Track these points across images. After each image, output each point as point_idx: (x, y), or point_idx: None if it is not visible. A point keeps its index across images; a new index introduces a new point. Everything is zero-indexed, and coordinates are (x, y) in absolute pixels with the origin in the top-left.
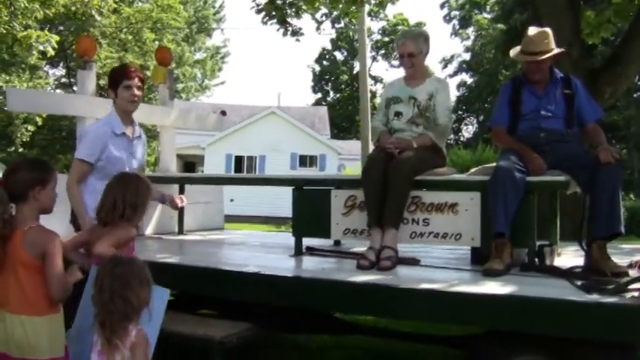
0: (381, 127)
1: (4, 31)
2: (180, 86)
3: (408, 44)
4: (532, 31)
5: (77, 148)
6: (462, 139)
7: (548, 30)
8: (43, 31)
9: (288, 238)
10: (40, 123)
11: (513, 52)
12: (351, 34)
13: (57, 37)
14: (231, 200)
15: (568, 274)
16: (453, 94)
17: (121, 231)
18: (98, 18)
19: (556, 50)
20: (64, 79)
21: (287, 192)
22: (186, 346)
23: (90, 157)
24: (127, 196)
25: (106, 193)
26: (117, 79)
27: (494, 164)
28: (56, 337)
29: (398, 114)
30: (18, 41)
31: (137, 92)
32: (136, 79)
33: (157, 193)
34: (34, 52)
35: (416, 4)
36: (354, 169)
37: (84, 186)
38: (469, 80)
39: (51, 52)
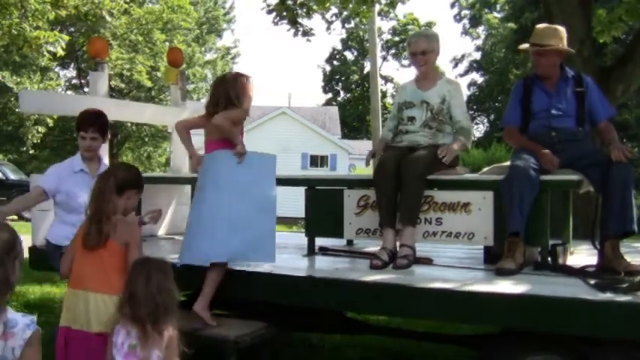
0: (386, 135)
1: (16, 33)
2: (190, 87)
3: (421, 42)
4: (541, 25)
5: None
6: (473, 138)
7: (560, 27)
8: (53, 32)
9: (300, 238)
10: (51, 124)
11: (523, 45)
12: (361, 33)
13: (67, 37)
14: None
15: (581, 273)
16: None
17: (234, 110)
18: (109, 19)
19: (562, 42)
20: (74, 81)
21: (298, 192)
22: (200, 346)
23: (43, 184)
24: (229, 89)
25: (212, 89)
26: (77, 126)
27: (506, 163)
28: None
29: (411, 119)
30: (28, 42)
31: (91, 143)
32: (90, 131)
33: (136, 218)
34: (45, 52)
35: (426, 3)
36: (365, 169)
37: (54, 216)
38: (480, 79)
39: (61, 53)
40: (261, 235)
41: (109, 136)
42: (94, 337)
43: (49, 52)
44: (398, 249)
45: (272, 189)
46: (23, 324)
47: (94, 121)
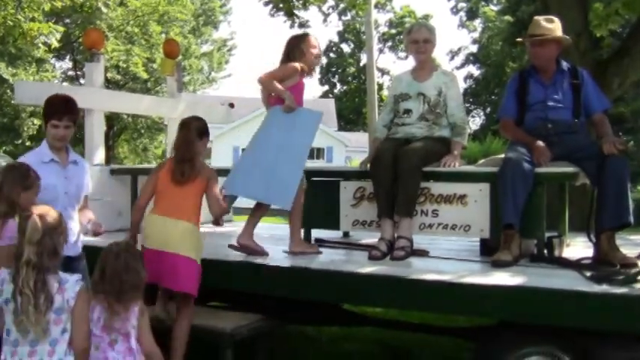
0: (379, 132)
1: (11, 24)
2: (186, 79)
3: (423, 30)
4: (539, 16)
5: None
6: (469, 130)
7: (556, 18)
8: (47, 23)
9: None
10: None
11: (520, 40)
12: (357, 26)
13: (61, 29)
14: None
15: (577, 265)
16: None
17: (279, 68)
18: (104, 10)
19: (559, 33)
20: (70, 72)
21: None
22: (197, 338)
23: None
24: (286, 47)
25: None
26: (47, 115)
27: (503, 155)
28: (199, 244)
29: (407, 111)
30: (22, 34)
31: (65, 132)
32: (65, 119)
33: (82, 227)
34: (40, 44)
35: None
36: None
37: None
38: (476, 72)
39: (55, 45)
40: (284, 181)
41: (105, 128)
42: (173, 255)
43: (43, 44)
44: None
45: (306, 143)
46: (73, 281)
47: (68, 109)
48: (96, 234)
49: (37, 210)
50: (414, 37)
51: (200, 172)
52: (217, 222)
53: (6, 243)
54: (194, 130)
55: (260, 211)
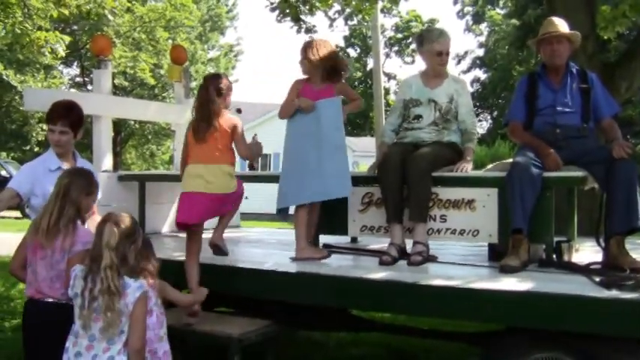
0: (387, 137)
1: (19, 32)
2: (193, 84)
3: (448, 42)
4: (550, 17)
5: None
6: (477, 136)
7: (563, 20)
8: (54, 32)
9: None
10: None
11: (532, 41)
12: (364, 30)
13: (68, 38)
14: (246, 198)
15: (586, 270)
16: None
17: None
18: (111, 18)
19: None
20: (78, 79)
21: None
22: (205, 343)
23: (17, 186)
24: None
25: None
26: (46, 119)
27: (511, 160)
28: (232, 181)
29: (418, 117)
30: (29, 43)
31: (60, 137)
32: (60, 124)
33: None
34: (46, 53)
35: (429, 0)
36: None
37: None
38: (483, 76)
39: (62, 54)
40: (336, 171)
41: (112, 134)
42: (210, 195)
43: (50, 52)
44: (407, 245)
45: (337, 127)
46: (134, 287)
47: (64, 113)
48: None
49: (114, 216)
50: (439, 48)
51: (220, 126)
52: (252, 166)
53: (79, 248)
54: (212, 90)
55: (309, 216)
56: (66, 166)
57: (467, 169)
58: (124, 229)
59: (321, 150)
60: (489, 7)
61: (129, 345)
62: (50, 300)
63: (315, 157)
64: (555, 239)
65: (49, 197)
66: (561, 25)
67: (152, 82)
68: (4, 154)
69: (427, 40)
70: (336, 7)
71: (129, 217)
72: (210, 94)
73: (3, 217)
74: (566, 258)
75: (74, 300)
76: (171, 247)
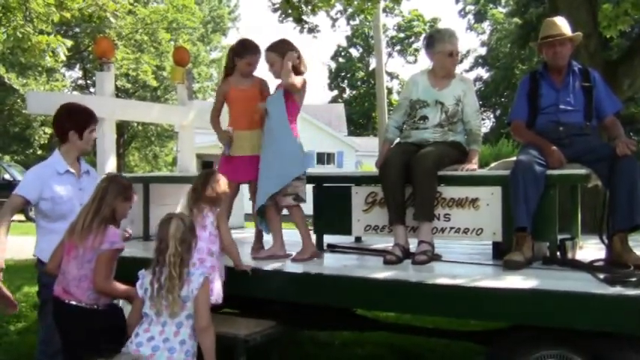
0: (391, 133)
1: (20, 36)
2: (196, 86)
3: (457, 42)
4: (550, 18)
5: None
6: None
7: (564, 19)
8: (55, 36)
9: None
10: None
11: (534, 43)
12: (366, 30)
13: (69, 42)
14: (250, 199)
15: (590, 267)
16: None
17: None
18: (113, 21)
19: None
20: (80, 81)
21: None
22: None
23: (25, 192)
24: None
25: None
26: (86, 121)
27: (514, 158)
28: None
29: (424, 118)
30: (31, 47)
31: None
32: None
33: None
34: (48, 57)
35: None
36: (372, 166)
37: (38, 228)
38: (485, 75)
39: (63, 58)
40: (286, 152)
41: (115, 136)
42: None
43: (51, 55)
44: (410, 245)
45: (277, 110)
46: (198, 274)
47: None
48: (124, 239)
49: (179, 214)
50: (451, 48)
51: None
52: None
53: (107, 248)
54: (230, 54)
55: (294, 216)
56: (73, 169)
57: (471, 169)
58: (188, 224)
59: (269, 140)
60: (491, 5)
61: (196, 325)
62: (74, 303)
63: (268, 150)
64: (559, 237)
65: (86, 201)
66: (563, 27)
67: (154, 84)
68: (7, 157)
69: (439, 41)
70: (338, 7)
71: (188, 217)
72: (232, 55)
73: None
74: (570, 255)
75: (144, 294)
76: None
